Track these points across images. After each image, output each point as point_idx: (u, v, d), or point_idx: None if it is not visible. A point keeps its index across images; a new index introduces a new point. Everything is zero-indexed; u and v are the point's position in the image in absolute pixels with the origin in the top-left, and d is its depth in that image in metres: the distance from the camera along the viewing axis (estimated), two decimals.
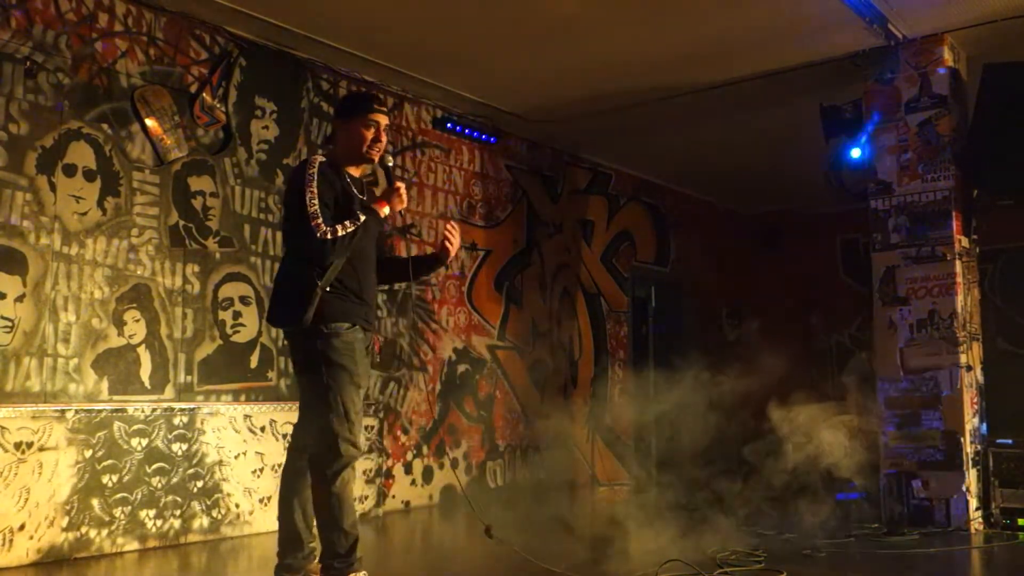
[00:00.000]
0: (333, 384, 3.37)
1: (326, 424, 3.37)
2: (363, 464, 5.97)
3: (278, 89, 5.77)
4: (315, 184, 3.37)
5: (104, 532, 4.62)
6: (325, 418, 3.37)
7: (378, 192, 3.64)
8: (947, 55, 5.67)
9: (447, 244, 3.70)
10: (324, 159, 3.50)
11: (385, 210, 3.52)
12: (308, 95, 5.97)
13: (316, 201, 3.35)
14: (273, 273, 5.61)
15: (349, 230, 3.35)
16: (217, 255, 5.36)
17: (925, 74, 5.69)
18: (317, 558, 3.51)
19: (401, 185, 3.59)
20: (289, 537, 3.55)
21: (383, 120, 3.57)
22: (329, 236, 3.31)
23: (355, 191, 3.54)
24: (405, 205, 3.61)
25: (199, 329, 5.23)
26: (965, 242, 5.66)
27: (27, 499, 4.34)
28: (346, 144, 3.58)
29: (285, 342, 5.62)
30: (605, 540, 4.86)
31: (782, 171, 8.35)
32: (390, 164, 3.68)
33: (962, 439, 5.38)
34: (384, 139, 3.58)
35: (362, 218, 3.39)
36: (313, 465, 3.41)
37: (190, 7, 5.19)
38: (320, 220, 3.32)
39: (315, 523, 3.48)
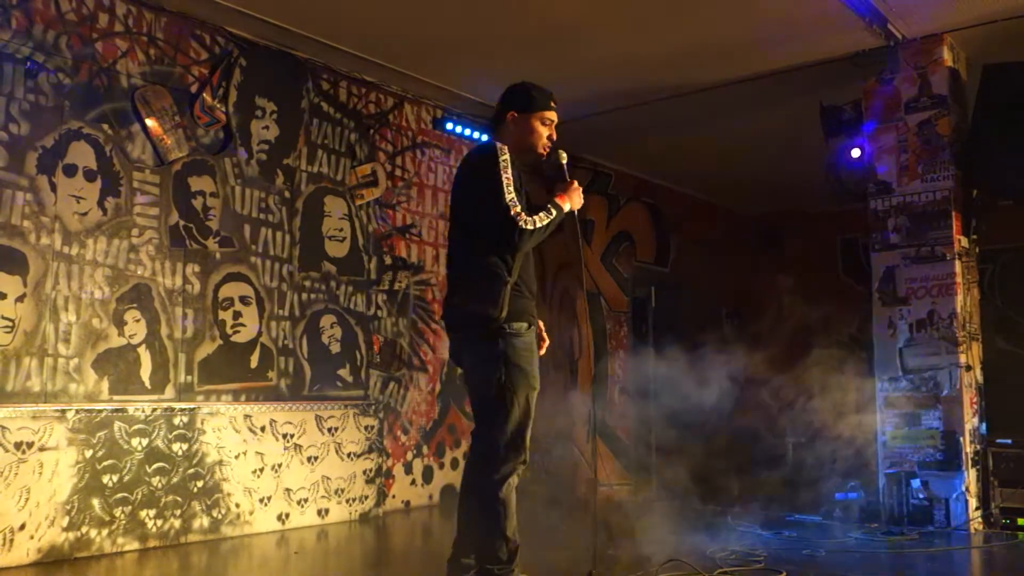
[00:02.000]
0: (511, 386, 3.26)
1: (500, 428, 3.26)
2: (363, 464, 5.98)
3: (278, 89, 5.77)
4: (510, 172, 3.29)
5: (104, 532, 4.62)
6: (502, 420, 3.26)
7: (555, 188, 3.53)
8: (947, 55, 5.67)
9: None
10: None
11: (567, 205, 3.42)
12: (308, 95, 5.97)
13: (512, 189, 3.26)
14: (273, 273, 5.63)
15: (545, 221, 3.28)
16: (217, 255, 5.37)
17: (925, 74, 5.69)
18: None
19: (576, 182, 3.50)
20: (465, 540, 3.41)
21: (556, 118, 3.54)
22: (528, 226, 3.22)
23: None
24: (583, 203, 3.52)
25: (199, 329, 5.23)
26: (965, 242, 5.66)
27: (27, 499, 4.34)
28: (520, 138, 3.49)
29: (273, 344, 5.63)
30: (607, 540, 4.86)
31: (782, 171, 8.34)
32: (565, 160, 3.56)
33: (962, 439, 5.39)
34: (555, 136, 3.52)
35: (554, 212, 3.32)
36: (480, 468, 3.31)
37: (190, 7, 5.20)
38: (519, 209, 3.23)
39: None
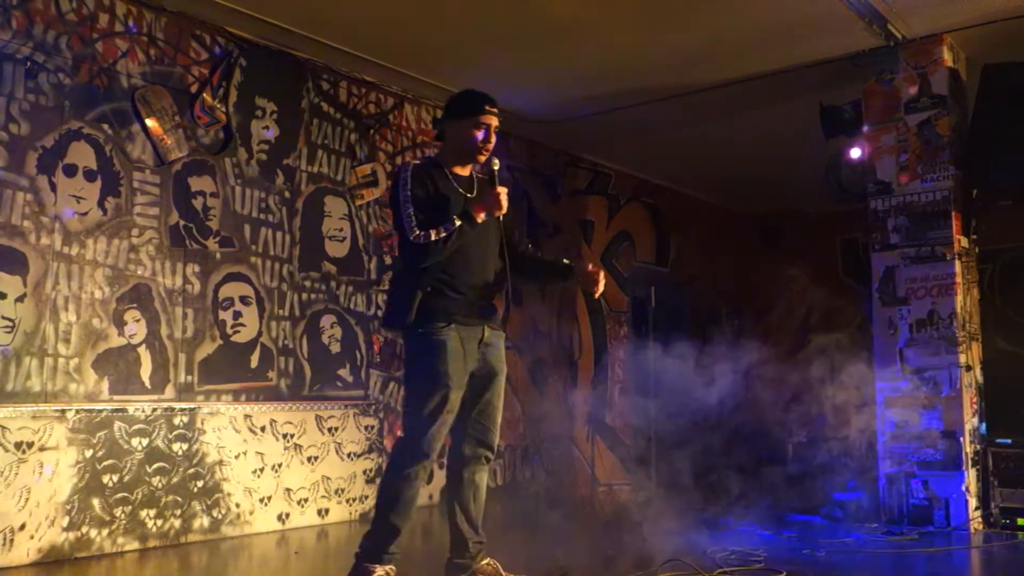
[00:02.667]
0: (421, 385, 3.47)
1: (412, 421, 3.48)
2: (363, 464, 5.99)
3: (278, 89, 5.77)
4: (409, 189, 3.43)
5: (105, 532, 4.63)
6: (412, 415, 3.48)
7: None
8: (947, 55, 5.67)
9: (591, 279, 3.70)
10: (418, 161, 3.57)
11: (481, 216, 3.49)
12: (308, 95, 5.97)
13: (411, 206, 3.42)
14: (273, 273, 5.64)
15: (442, 235, 3.38)
16: (217, 255, 5.37)
17: (925, 74, 5.69)
18: (483, 556, 3.65)
19: (502, 189, 3.54)
20: (455, 538, 3.66)
21: (494, 121, 3.58)
22: (423, 241, 3.37)
23: (462, 190, 3.57)
24: (504, 210, 3.55)
25: (199, 329, 5.23)
26: (965, 242, 5.66)
27: (28, 499, 4.34)
28: (455, 144, 3.61)
29: (273, 344, 5.63)
30: (608, 540, 4.86)
31: (782, 171, 8.34)
32: (496, 168, 3.60)
33: (962, 439, 5.39)
34: (493, 141, 3.58)
35: (457, 223, 3.41)
36: (391, 457, 3.59)
37: (190, 7, 5.20)
38: (414, 224, 3.39)
39: (479, 521, 3.67)
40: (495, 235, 3.65)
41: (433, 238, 3.37)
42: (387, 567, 3.44)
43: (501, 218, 3.61)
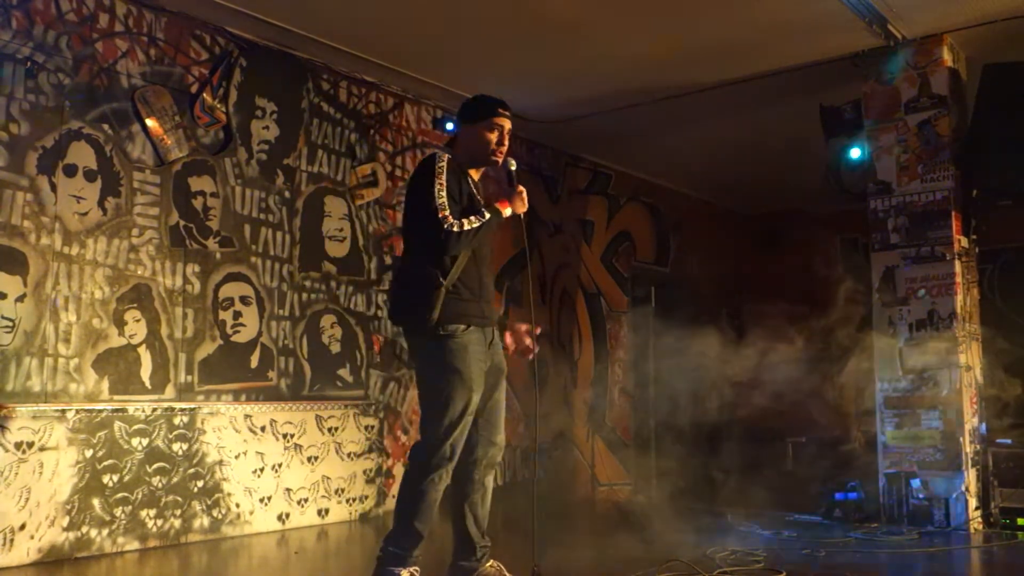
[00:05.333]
0: (446, 388, 3.41)
1: (436, 424, 3.41)
2: (363, 464, 5.99)
3: (278, 89, 5.77)
4: (443, 177, 3.40)
5: (105, 532, 4.63)
6: (434, 419, 3.42)
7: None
8: (947, 55, 5.67)
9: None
10: (450, 156, 3.52)
11: (508, 210, 3.54)
12: (308, 95, 5.97)
13: (444, 194, 3.37)
14: (273, 273, 5.63)
15: (475, 225, 3.38)
16: (217, 255, 5.37)
17: (925, 74, 5.69)
18: (488, 560, 3.62)
19: (523, 189, 3.60)
20: (462, 541, 3.62)
21: (507, 124, 3.61)
22: (456, 228, 3.33)
23: (476, 194, 3.59)
24: (527, 208, 3.61)
25: (199, 329, 5.23)
26: (964, 242, 5.66)
27: (28, 499, 4.34)
28: (470, 147, 3.61)
29: (273, 344, 5.63)
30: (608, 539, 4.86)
31: (782, 171, 8.34)
32: (513, 168, 3.64)
33: (961, 439, 5.39)
34: (507, 143, 3.60)
35: (487, 215, 3.43)
36: (412, 461, 3.47)
37: (190, 7, 5.20)
38: (448, 212, 3.35)
39: (485, 524, 3.63)
40: (490, 246, 3.69)
41: (467, 227, 3.35)
42: (412, 568, 3.44)
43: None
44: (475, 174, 3.66)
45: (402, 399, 6.42)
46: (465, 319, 3.46)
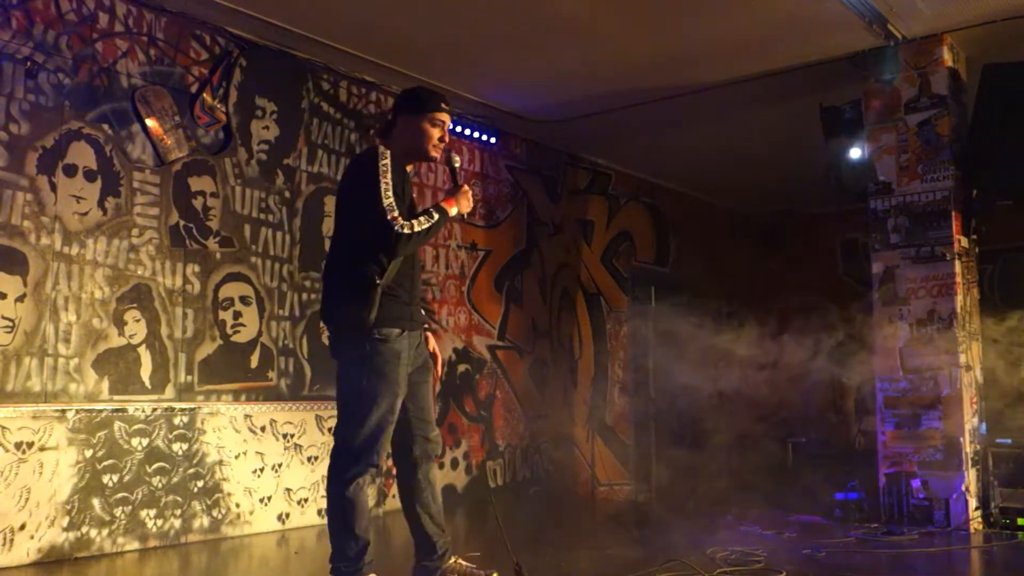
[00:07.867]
0: (371, 391, 3.31)
1: (357, 428, 3.31)
2: None
3: (278, 89, 5.77)
4: (389, 175, 3.28)
5: (105, 532, 4.63)
6: (357, 422, 3.32)
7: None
8: (947, 55, 5.67)
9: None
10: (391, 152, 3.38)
11: (454, 210, 3.43)
12: (308, 95, 5.97)
13: (391, 193, 3.25)
14: (273, 273, 5.63)
15: (425, 226, 3.27)
16: (217, 255, 5.37)
17: (925, 74, 5.69)
18: (450, 555, 3.56)
19: (467, 187, 3.51)
20: (422, 542, 3.55)
21: (448, 120, 3.52)
22: (407, 230, 3.22)
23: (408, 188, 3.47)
24: (471, 207, 3.52)
25: (199, 329, 5.23)
26: (964, 242, 5.66)
27: (28, 499, 4.34)
28: (408, 140, 3.46)
29: (273, 344, 5.63)
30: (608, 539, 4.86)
31: (782, 171, 8.35)
32: (456, 164, 3.56)
33: (961, 439, 5.39)
34: (447, 138, 3.52)
35: (435, 216, 3.32)
36: (332, 467, 3.36)
37: (190, 7, 5.20)
38: (397, 214, 3.22)
39: (441, 518, 3.56)
40: None
41: (417, 229, 3.24)
42: None
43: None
44: (408, 168, 3.53)
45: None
46: (400, 323, 3.36)
